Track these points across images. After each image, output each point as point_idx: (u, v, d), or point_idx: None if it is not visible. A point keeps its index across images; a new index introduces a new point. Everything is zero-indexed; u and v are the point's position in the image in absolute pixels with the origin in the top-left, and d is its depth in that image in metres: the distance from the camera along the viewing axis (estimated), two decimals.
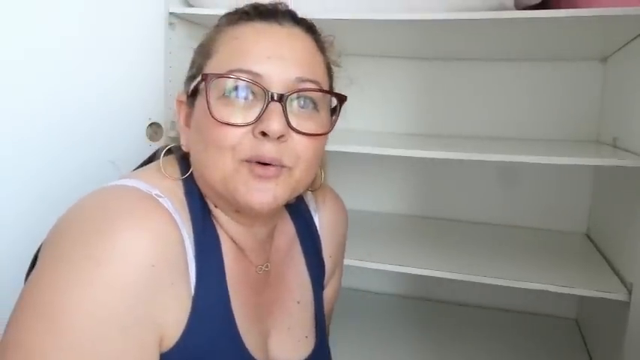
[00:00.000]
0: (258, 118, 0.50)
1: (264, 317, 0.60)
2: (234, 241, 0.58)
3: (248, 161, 0.50)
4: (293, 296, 0.65)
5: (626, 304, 0.84)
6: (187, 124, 0.56)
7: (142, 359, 0.46)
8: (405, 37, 1.05)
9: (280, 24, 0.54)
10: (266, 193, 0.51)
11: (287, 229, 0.67)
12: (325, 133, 0.56)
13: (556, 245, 1.13)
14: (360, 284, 1.40)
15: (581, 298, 1.18)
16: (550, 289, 0.87)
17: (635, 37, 0.91)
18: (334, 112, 0.59)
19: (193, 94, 0.55)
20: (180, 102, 0.57)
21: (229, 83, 0.51)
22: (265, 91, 0.50)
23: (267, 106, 0.50)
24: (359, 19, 0.87)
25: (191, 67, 0.57)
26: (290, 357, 0.62)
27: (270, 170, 0.51)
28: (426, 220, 1.31)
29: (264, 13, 0.54)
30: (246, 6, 0.55)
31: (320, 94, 0.54)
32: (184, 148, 0.56)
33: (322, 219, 0.70)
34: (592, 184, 1.20)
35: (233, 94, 0.51)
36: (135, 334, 0.45)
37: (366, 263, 0.97)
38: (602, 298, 0.85)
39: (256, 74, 0.51)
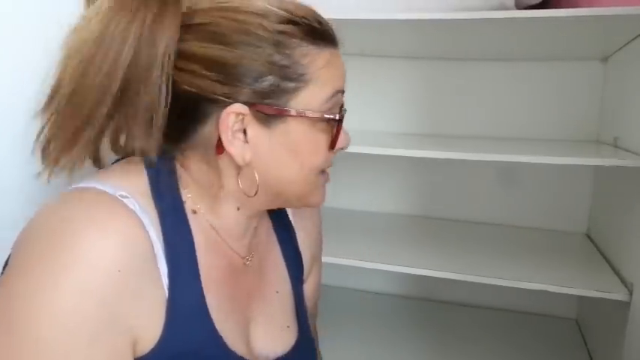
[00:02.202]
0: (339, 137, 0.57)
1: (243, 307, 0.60)
2: (215, 232, 0.58)
3: (323, 171, 0.59)
4: (272, 286, 0.66)
5: (626, 304, 0.84)
6: (246, 140, 0.53)
7: None
8: (405, 37, 1.05)
9: (338, 46, 0.58)
10: (325, 194, 0.61)
11: (265, 222, 0.68)
12: None
13: (556, 245, 1.13)
14: (360, 284, 1.40)
15: (581, 298, 1.18)
16: (550, 289, 0.87)
17: (635, 37, 0.91)
18: None
19: (270, 114, 0.52)
20: (238, 114, 0.51)
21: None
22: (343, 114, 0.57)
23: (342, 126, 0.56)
24: (359, 19, 0.87)
25: (255, 81, 0.51)
26: (273, 346, 0.62)
27: (328, 174, 0.61)
28: (426, 220, 1.31)
29: (334, 39, 0.57)
30: (321, 25, 0.56)
31: None
32: (241, 162, 0.53)
33: (295, 213, 0.72)
34: (592, 184, 1.20)
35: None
36: (105, 340, 0.45)
37: (366, 263, 0.97)
38: (602, 298, 0.85)
39: (343, 92, 0.57)
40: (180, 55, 0.50)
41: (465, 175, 1.28)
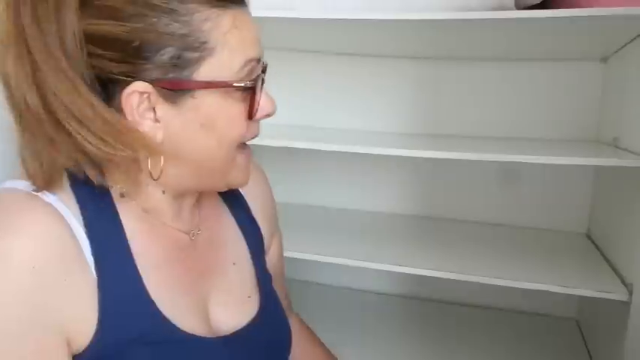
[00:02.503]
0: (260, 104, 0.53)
1: (198, 285, 0.59)
2: (148, 214, 0.56)
3: (242, 144, 0.55)
4: (228, 258, 0.64)
5: (626, 304, 0.84)
6: (156, 118, 0.51)
7: None
8: (405, 37, 1.05)
9: (245, 5, 0.53)
10: (249, 171, 0.58)
11: (212, 195, 0.67)
12: None
13: (556, 245, 1.13)
14: (360, 284, 1.40)
15: (581, 298, 1.18)
16: (550, 289, 0.87)
17: (635, 37, 0.91)
18: None
19: (175, 89, 0.50)
20: (142, 93, 0.49)
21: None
22: (263, 78, 0.53)
23: (264, 92, 0.54)
24: (359, 19, 0.87)
25: (171, 58, 0.48)
26: (234, 319, 0.61)
27: (250, 149, 0.58)
28: (426, 220, 1.31)
29: None
30: None
31: None
32: (153, 144, 0.51)
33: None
34: (592, 184, 1.20)
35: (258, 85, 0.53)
36: (34, 338, 0.44)
37: (366, 263, 0.97)
38: (602, 298, 0.85)
39: (259, 60, 0.53)
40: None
41: (464, 175, 1.28)
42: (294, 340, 0.71)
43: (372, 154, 0.91)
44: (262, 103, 0.54)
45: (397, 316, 1.27)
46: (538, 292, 0.88)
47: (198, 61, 0.49)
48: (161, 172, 0.52)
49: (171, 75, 0.48)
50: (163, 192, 0.56)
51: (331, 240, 1.10)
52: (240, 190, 0.69)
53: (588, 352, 1.09)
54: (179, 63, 0.48)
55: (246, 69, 0.51)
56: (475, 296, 1.31)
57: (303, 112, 1.35)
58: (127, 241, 0.52)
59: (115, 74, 0.48)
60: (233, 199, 0.69)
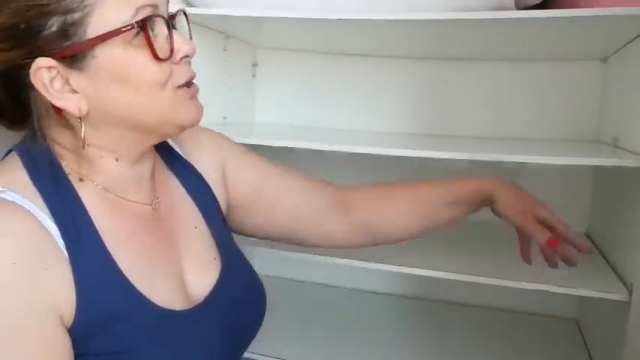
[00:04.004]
0: (172, 45, 0.54)
1: (169, 252, 0.61)
2: (108, 192, 0.58)
3: (182, 86, 0.56)
4: (189, 223, 0.66)
5: (626, 304, 0.84)
6: (70, 89, 0.52)
7: (55, 349, 0.47)
8: (405, 37, 1.05)
9: None
10: (200, 108, 0.59)
11: (160, 165, 0.68)
12: None
13: None
14: (360, 284, 1.40)
15: (581, 298, 1.18)
16: (550, 289, 0.87)
17: (635, 37, 0.91)
18: None
19: (74, 54, 0.50)
20: (49, 68, 0.50)
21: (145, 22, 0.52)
22: (166, 19, 0.54)
23: (172, 33, 0.54)
24: (359, 19, 0.87)
25: (58, 26, 0.50)
26: (205, 282, 0.63)
27: (195, 86, 0.58)
28: None
29: None
30: None
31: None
32: (78, 113, 0.53)
33: (181, 143, 0.72)
34: (592, 184, 1.20)
35: (149, 32, 0.52)
36: (35, 329, 0.46)
37: (366, 263, 0.97)
38: (602, 298, 0.85)
39: (155, 6, 0.53)
40: None
41: (464, 175, 1.28)
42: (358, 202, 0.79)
43: (372, 154, 0.92)
44: (177, 44, 0.54)
45: (397, 316, 1.27)
46: (538, 292, 0.88)
47: (82, 20, 0.50)
48: (84, 140, 0.54)
49: (65, 43, 0.50)
50: (117, 159, 0.58)
51: None
52: (179, 151, 0.70)
53: (588, 352, 1.09)
54: (67, 28, 0.49)
55: (140, 16, 0.51)
56: (475, 296, 1.31)
57: (303, 112, 1.35)
58: (91, 221, 0.54)
59: (17, 61, 0.50)
60: (176, 162, 0.70)
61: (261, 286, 0.71)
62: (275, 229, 0.78)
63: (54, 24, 0.49)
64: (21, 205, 0.49)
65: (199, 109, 0.59)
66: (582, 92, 1.17)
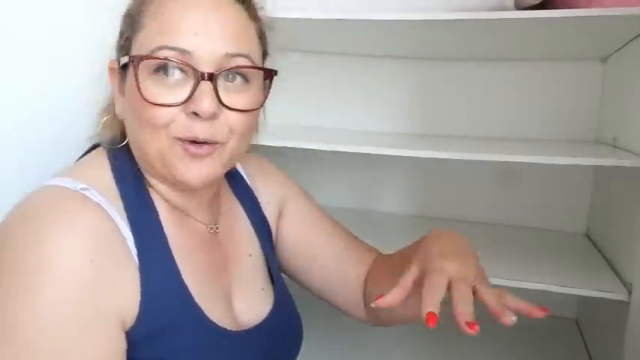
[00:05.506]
0: (190, 97, 0.50)
1: (221, 275, 0.61)
2: (176, 207, 0.58)
3: (181, 139, 0.52)
4: (244, 250, 0.66)
5: (626, 304, 0.84)
6: (121, 91, 0.56)
7: (112, 351, 0.47)
8: (405, 37, 1.05)
9: None
10: (201, 171, 0.53)
11: (226, 190, 0.69)
12: (257, 109, 0.56)
13: (556, 245, 1.13)
14: None
15: (581, 298, 1.18)
16: (550, 289, 0.87)
17: (635, 37, 0.91)
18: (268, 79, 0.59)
19: (124, 66, 0.55)
20: (112, 69, 0.57)
21: (158, 62, 0.51)
22: (195, 70, 0.50)
23: (197, 85, 0.50)
24: (359, 19, 0.87)
25: (120, 37, 0.57)
26: (254, 311, 0.63)
27: (204, 149, 0.52)
28: (426, 220, 1.31)
29: None
30: None
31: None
32: (119, 116, 0.57)
33: (250, 175, 0.73)
34: (592, 184, 1.20)
35: (162, 72, 0.51)
36: (97, 329, 0.46)
37: None
38: (602, 298, 0.85)
39: (185, 51, 0.50)
40: None
41: (464, 175, 1.28)
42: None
43: (372, 154, 0.91)
44: (195, 97, 0.51)
45: None
46: (538, 292, 0.88)
47: (132, 38, 0.54)
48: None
49: (123, 51, 0.56)
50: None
51: None
52: (248, 181, 0.72)
53: (588, 352, 1.09)
54: (128, 38, 0.55)
55: (157, 53, 0.51)
56: None
57: (303, 112, 1.35)
58: (163, 231, 0.55)
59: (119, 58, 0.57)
60: (244, 192, 0.71)
61: (300, 319, 0.72)
62: (313, 283, 0.77)
63: (125, 33, 0.55)
64: (104, 209, 0.50)
65: (199, 172, 0.53)
66: (582, 92, 1.17)
